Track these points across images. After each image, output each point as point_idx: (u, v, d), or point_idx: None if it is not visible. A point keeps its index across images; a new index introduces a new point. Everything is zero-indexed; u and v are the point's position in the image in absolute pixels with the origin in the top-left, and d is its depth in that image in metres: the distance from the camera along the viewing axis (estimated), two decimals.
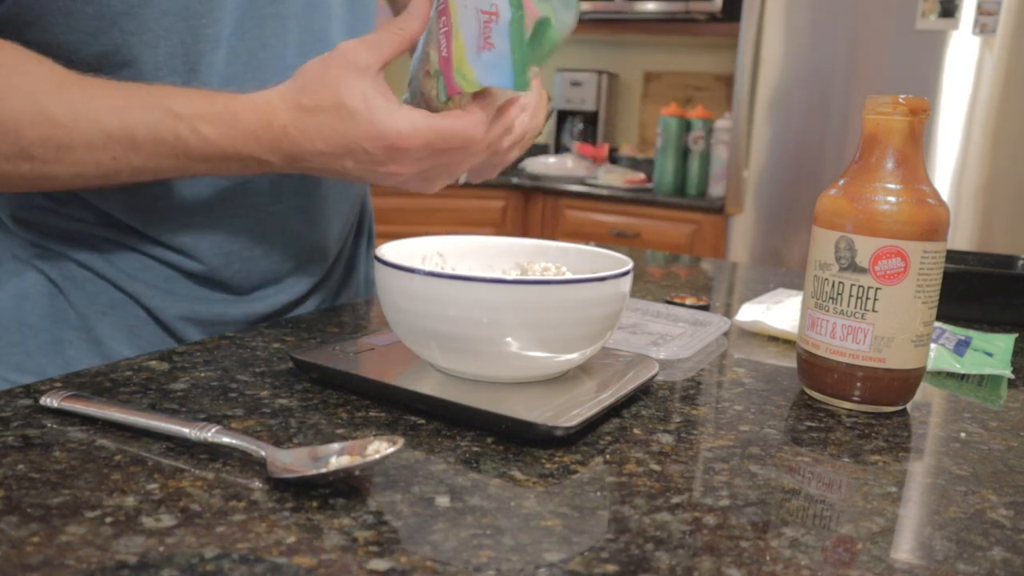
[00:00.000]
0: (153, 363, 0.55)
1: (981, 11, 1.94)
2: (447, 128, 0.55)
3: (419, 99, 0.58)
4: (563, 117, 3.13)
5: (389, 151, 0.55)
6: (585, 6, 2.78)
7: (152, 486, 0.38)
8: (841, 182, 0.55)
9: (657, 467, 0.43)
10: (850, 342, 0.53)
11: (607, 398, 0.49)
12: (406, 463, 0.42)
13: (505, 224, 2.76)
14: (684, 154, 2.65)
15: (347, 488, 0.38)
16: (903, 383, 0.54)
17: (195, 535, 0.34)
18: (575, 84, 3.05)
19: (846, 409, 0.54)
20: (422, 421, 0.47)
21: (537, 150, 3.14)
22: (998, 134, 1.98)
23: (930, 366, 0.64)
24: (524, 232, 2.79)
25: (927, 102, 0.53)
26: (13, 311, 0.63)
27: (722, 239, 2.42)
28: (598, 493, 0.40)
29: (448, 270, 0.59)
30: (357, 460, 0.38)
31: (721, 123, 2.56)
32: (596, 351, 0.52)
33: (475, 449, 0.44)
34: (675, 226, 2.50)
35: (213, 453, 0.42)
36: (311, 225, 0.71)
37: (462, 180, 0.67)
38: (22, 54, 0.53)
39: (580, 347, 0.49)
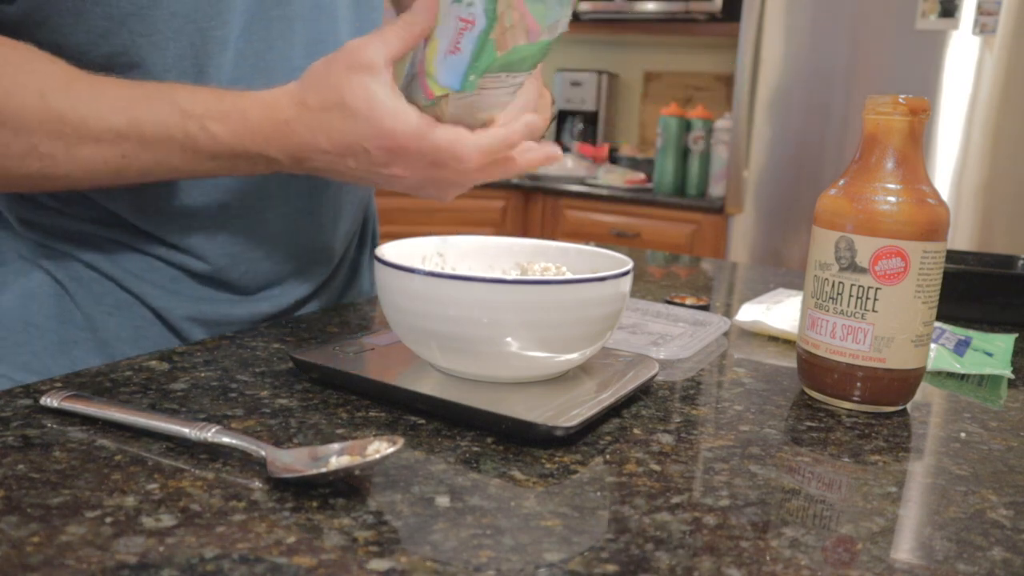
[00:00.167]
0: (153, 363, 0.55)
1: (981, 11, 1.94)
2: (444, 141, 0.54)
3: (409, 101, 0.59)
4: (563, 117, 3.13)
5: (390, 153, 0.54)
6: (585, 6, 2.78)
7: (152, 486, 0.38)
8: (841, 182, 0.55)
9: (657, 467, 0.43)
10: (850, 342, 0.53)
11: (607, 398, 0.49)
12: (406, 463, 0.42)
13: (505, 224, 2.76)
14: (684, 154, 2.65)
15: (347, 488, 0.38)
16: (903, 383, 0.54)
17: (195, 535, 0.34)
18: (575, 84, 3.05)
19: (846, 409, 0.54)
20: (422, 421, 0.47)
21: None
22: (998, 134, 1.98)
23: (930, 366, 0.64)
24: (524, 232, 2.79)
25: (927, 102, 0.53)
26: (19, 311, 0.63)
27: (722, 239, 2.42)
28: (598, 493, 0.40)
29: (448, 270, 0.59)
30: (357, 460, 0.38)
31: (721, 123, 2.56)
32: (596, 351, 0.52)
33: (475, 449, 0.44)
34: (675, 226, 2.50)
35: (213, 453, 0.42)
36: (317, 227, 0.71)
37: None
38: (31, 53, 0.53)
39: (580, 347, 0.49)
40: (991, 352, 0.69)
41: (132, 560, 0.31)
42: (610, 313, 0.49)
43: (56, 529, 0.33)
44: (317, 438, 0.44)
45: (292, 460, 0.39)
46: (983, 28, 1.94)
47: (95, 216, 0.64)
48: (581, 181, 2.77)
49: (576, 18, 2.87)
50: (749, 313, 0.74)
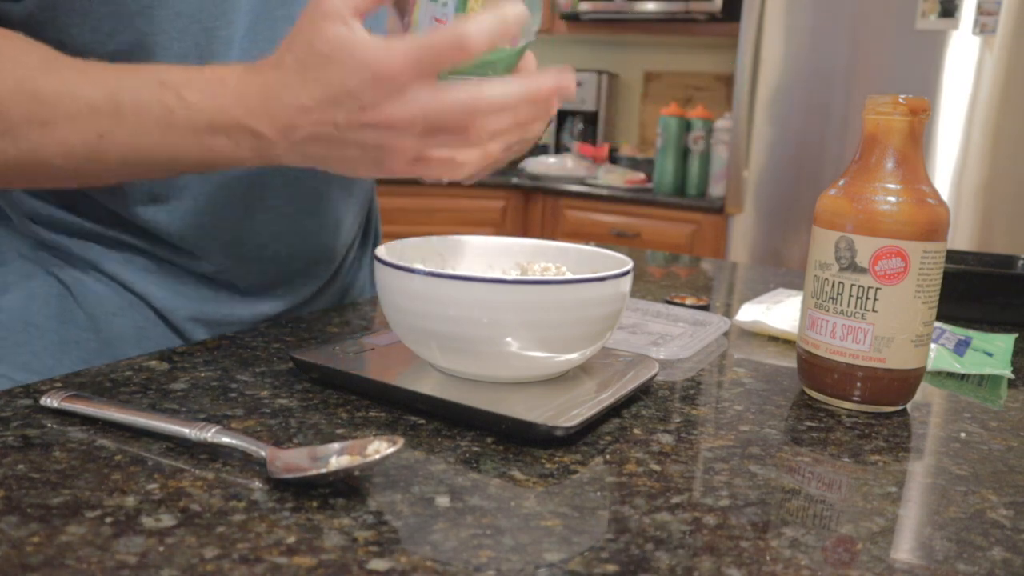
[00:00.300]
0: (153, 363, 0.55)
1: (981, 11, 1.94)
2: (436, 38, 0.48)
3: None
4: (563, 117, 3.13)
5: (376, 85, 0.48)
6: (585, 6, 2.78)
7: (152, 486, 0.38)
8: (841, 182, 0.55)
9: (657, 467, 0.43)
10: (850, 342, 0.53)
11: (607, 398, 0.49)
12: (406, 463, 0.42)
13: (505, 224, 2.76)
14: (684, 154, 2.65)
15: (347, 488, 0.38)
16: (903, 383, 0.54)
17: (195, 535, 0.34)
18: (575, 84, 3.05)
19: (846, 409, 0.54)
20: (422, 421, 0.47)
21: (537, 150, 3.14)
22: (998, 134, 1.98)
23: (930, 366, 0.64)
24: (524, 232, 2.79)
25: (927, 102, 0.53)
26: (21, 311, 0.63)
27: (722, 239, 2.42)
28: (598, 493, 0.40)
29: (448, 270, 0.59)
30: (357, 460, 0.38)
31: (721, 123, 2.56)
32: (596, 351, 0.52)
33: (475, 449, 0.44)
34: (675, 226, 2.50)
35: (213, 453, 0.42)
36: (320, 227, 0.71)
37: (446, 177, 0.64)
38: (11, 38, 0.52)
39: (580, 347, 0.49)
40: (991, 352, 0.69)
41: (132, 560, 0.31)
42: (610, 313, 0.49)
43: (56, 529, 0.33)
44: (317, 438, 0.44)
45: (292, 460, 0.39)
46: (983, 28, 1.94)
47: (98, 216, 0.64)
48: (581, 181, 2.77)
49: (576, 18, 2.88)
50: (749, 313, 0.74)
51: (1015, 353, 0.71)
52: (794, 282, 1.01)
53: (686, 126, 2.63)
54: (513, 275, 0.59)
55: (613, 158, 2.98)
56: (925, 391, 0.60)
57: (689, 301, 0.83)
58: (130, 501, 0.36)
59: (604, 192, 2.61)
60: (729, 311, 0.83)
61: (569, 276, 0.52)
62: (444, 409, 0.47)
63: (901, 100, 0.52)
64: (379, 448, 0.38)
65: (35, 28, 0.55)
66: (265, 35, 0.63)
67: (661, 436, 0.48)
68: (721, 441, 0.47)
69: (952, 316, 0.83)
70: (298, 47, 0.50)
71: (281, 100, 0.50)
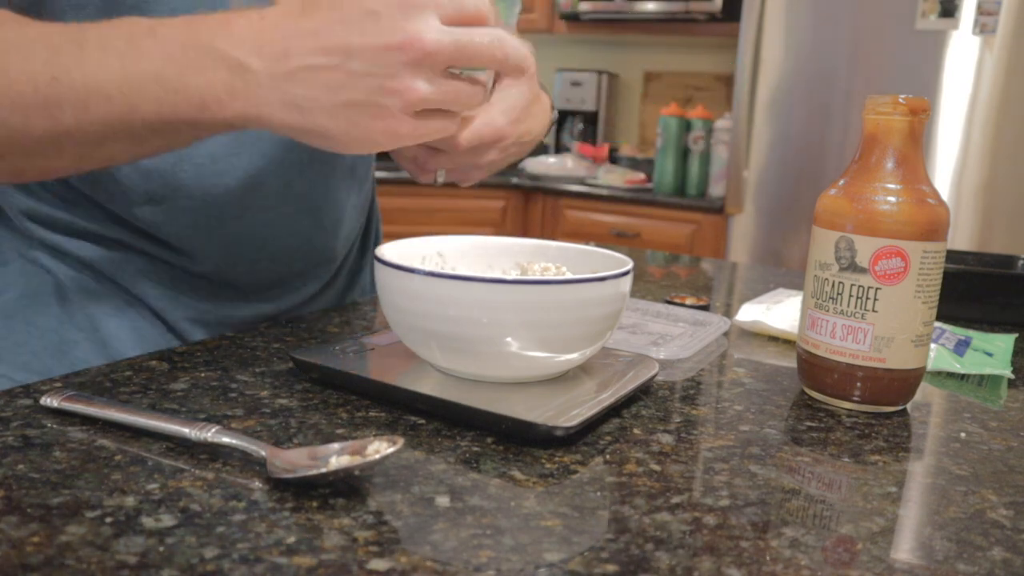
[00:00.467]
0: (153, 363, 0.55)
1: (981, 11, 1.94)
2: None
3: None
4: (563, 117, 3.13)
5: (403, 4, 0.44)
6: (585, 6, 2.78)
7: (152, 486, 0.38)
8: (841, 182, 0.55)
9: (657, 467, 0.43)
10: (850, 342, 0.53)
11: (607, 398, 0.49)
12: (406, 463, 0.42)
13: (505, 224, 2.76)
14: (684, 154, 2.65)
15: (347, 488, 0.38)
16: (903, 383, 0.54)
17: (195, 535, 0.34)
18: (575, 84, 3.05)
19: (846, 409, 0.54)
20: (422, 421, 0.47)
21: (537, 150, 3.14)
22: (998, 134, 1.98)
23: (930, 366, 0.64)
24: (524, 232, 2.79)
25: (927, 102, 0.53)
26: (20, 311, 0.63)
27: (722, 239, 2.42)
28: (598, 493, 0.40)
29: (448, 270, 0.59)
30: (357, 460, 0.38)
31: (721, 123, 2.56)
32: (596, 351, 0.52)
33: (475, 449, 0.44)
34: (675, 226, 2.51)
35: (213, 453, 0.42)
36: (319, 227, 0.71)
37: (440, 179, 0.62)
38: None
39: (580, 347, 0.49)
40: (991, 352, 0.69)
41: (132, 560, 0.31)
42: (610, 313, 0.49)
43: (56, 529, 0.33)
44: (317, 438, 0.44)
45: (292, 460, 0.39)
46: (983, 28, 1.94)
47: (97, 216, 0.64)
48: (581, 181, 2.77)
49: (576, 18, 2.88)
50: (749, 313, 0.74)
51: (1015, 353, 0.71)
52: (794, 282, 1.01)
53: (686, 126, 2.63)
54: (513, 275, 0.59)
55: (613, 158, 2.98)
56: (925, 391, 0.60)
57: (689, 301, 0.83)
58: (130, 501, 0.36)
59: (604, 192, 2.61)
60: (729, 311, 0.83)
61: (569, 276, 0.52)
62: (444, 409, 0.47)
63: (901, 100, 0.52)
64: (379, 448, 0.38)
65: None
66: None
67: (661, 436, 0.48)
68: (721, 441, 0.47)
69: (952, 316, 0.83)
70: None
71: (277, 26, 0.44)
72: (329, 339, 0.64)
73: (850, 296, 0.53)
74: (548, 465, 0.42)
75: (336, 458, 0.38)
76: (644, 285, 0.94)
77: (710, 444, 0.47)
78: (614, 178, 2.73)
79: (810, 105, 2.17)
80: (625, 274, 0.50)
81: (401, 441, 0.38)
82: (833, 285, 0.54)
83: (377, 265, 0.50)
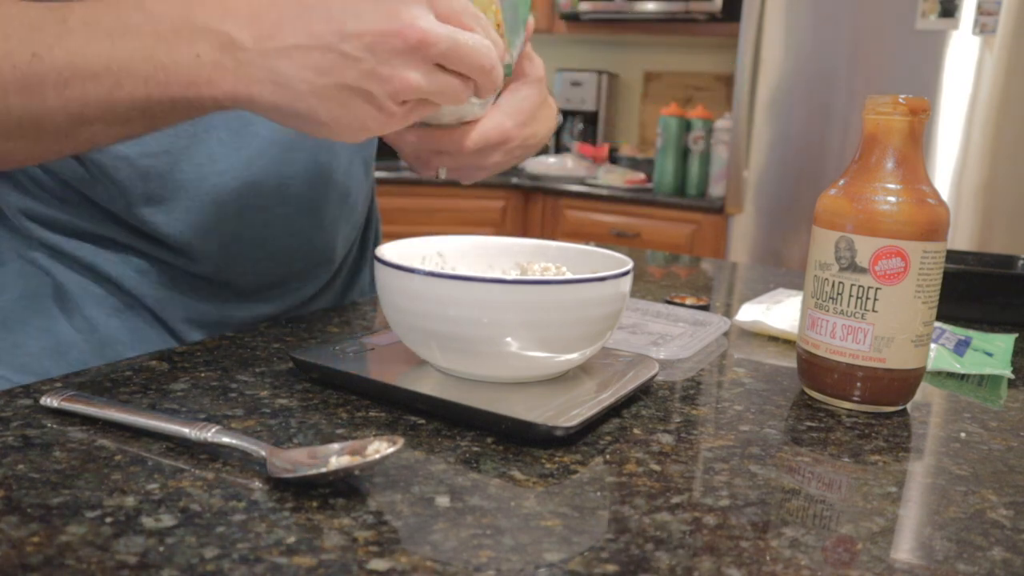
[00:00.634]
0: (153, 363, 0.55)
1: (981, 11, 1.94)
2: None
3: None
4: (563, 117, 3.13)
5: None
6: (585, 6, 2.78)
7: (152, 486, 0.38)
8: (841, 182, 0.55)
9: (657, 467, 0.43)
10: (850, 342, 0.53)
11: (607, 398, 0.49)
12: (406, 463, 0.42)
13: (505, 224, 2.76)
14: (684, 154, 2.65)
15: (347, 488, 0.38)
16: (903, 383, 0.54)
17: (195, 535, 0.34)
18: (575, 84, 3.05)
19: (846, 409, 0.54)
20: (422, 421, 0.47)
21: (537, 150, 3.14)
22: (998, 134, 1.98)
23: (930, 366, 0.64)
24: (524, 232, 2.79)
25: (927, 102, 0.53)
26: (18, 312, 0.63)
27: (722, 239, 2.42)
28: (598, 493, 0.40)
29: (448, 270, 0.59)
30: (357, 460, 0.38)
31: (721, 123, 2.56)
32: (596, 351, 0.52)
33: (475, 449, 0.44)
34: (675, 226, 2.51)
35: (213, 453, 0.42)
36: (317, 228, 0.71)
37: (442, 175, 0.62)
38: None
39: (580, 347, 0.49)
40: (991, 352, 0.69)
41: (132, 560, 0.31)
42: (610, 313, 0.49)
43: (56, 529, 0.33)
44: (317, 438, 0.44)
45: (292, 460, 0.39)
46: (983, 28, 1.94)
47: (95, 217, 0.64)
48: (581, 181, 2.77)
49: (576, 18, 2.88)
50: (749, 313, 0.74)
51: (1015, 353, 0.71)
52: (794, 282, 1.01)
53: (686, 126, 2.63)
54: (513, 275, 0.59)
55: (613, 158, 2.98)
56: (925, 391, 0.60)
57: (689, 301, 0.83)
58: (130, 501, 0.36)
59: (604, 192, 2.61)
60: (729, 311, 0.83)
61: (569, 276, 0.52)
62: (444, 409, 0.47)
63: (901, 100, 0.52)
64: (379, 448, 0.38)
65: None
66: None
67: (661, 436, 0.48)
68: (721, 441, 0.47)
69: (952, 316, 0.83)
70: None
71: (274, 4, 0.44)
72: (329, 339, 0.64)
73: (850, 296, 0.53)
74: (548, 465, 0.42)
75: (336, 458, 0.38)
76: (644, 285, 0.94)
77: (710, 444, 0.47)
78: (614, 178, 2.73)
79: (810, 105, 2.17)
80: (625, 274, 0.50)
81: (401, 441, 0.38)
82: (833, 285, 0.54)
83: (377, 265, 0.50)
